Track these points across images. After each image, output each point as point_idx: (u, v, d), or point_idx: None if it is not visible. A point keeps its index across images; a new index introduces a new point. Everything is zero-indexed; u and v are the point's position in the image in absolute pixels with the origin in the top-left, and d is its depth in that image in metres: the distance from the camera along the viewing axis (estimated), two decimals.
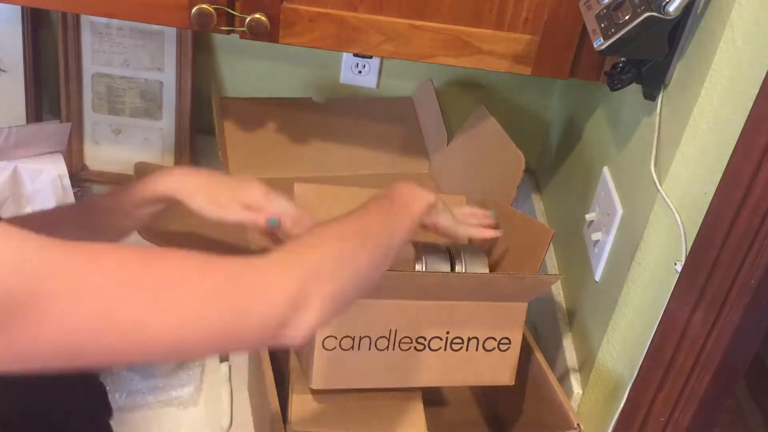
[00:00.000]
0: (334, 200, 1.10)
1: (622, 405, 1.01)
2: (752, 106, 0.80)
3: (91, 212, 0.98)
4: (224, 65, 1.50)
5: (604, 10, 0.90)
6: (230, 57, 1.50)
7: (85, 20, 1.39)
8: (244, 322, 0.62)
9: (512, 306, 1.00)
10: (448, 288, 0.97)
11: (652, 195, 0.93)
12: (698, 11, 0.86)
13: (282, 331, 0.64)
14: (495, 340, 1.00)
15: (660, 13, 0.84)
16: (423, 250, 1.06)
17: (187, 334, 0.60)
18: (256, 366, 1.04)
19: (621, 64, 0.94)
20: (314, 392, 0.97)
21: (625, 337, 1.02)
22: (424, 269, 1.04)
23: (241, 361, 1.20)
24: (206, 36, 1.45)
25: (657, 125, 0.94)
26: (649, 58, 0.91)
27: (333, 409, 0.98)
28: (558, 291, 1.28)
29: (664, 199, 0.91)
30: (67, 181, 1.34)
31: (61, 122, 1.40)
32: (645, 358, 0.96)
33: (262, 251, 0.67)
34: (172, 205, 0.97)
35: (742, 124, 0.81)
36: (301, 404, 0.97)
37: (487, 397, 1.20)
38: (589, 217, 1.14)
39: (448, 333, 0.98)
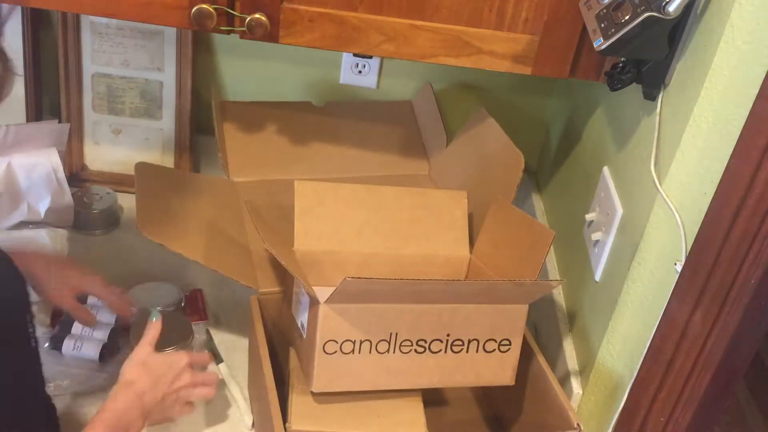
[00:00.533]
0: (333, 198, 1.11)
1: (622, 405, 1.01)
2: (752, 106, 0.80)
3: None
4: (224, 65, 1.50)
5: (604, 10, 0.90)
6: (230, 57, 1.50)
7: (85, 20, 1.39)
8: None
9: (513, 308, 1.00)
10: (448, 293, 0.97)
11: (652, 195, 0.93)
12: (698, 11, 0.87)
13: None
14: (495, 341, 1.00)
15: (660, 13, 0.84)
16: None
17: None
18: (256, 366, 1.04)
19: (621, 64, 0.94)
20: (314, 393, 0.97)
21: (625, 337, 1.02)
22: None
23: (241, 361, 1.21)
24: (206, 36, 1.45)
25: (657, 125, 0.94)
26: (649, 58, 0.91)
27: (333, 409, 0.98)
28: (558, 291, 1.28)
29: (664, 199, 0.91)
30: (61, 174, 1.34)
31: (60, 122, 1.40)
32: (645, 358, 0.96)
33: None
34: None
35: (742, 124, 0.81)
36: (301, 404, 0.97)
37: (487, 397, 1.20)
38: (589, 217, 1.14)
39: (448, 335, 0.98)
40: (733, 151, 0.83)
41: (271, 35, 1.04)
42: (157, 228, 1.11)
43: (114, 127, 1.48)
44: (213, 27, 1.02)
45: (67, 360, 1.15)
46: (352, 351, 0.95)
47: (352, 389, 0.98)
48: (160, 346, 1.09)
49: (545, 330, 1.27)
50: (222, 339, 1.24)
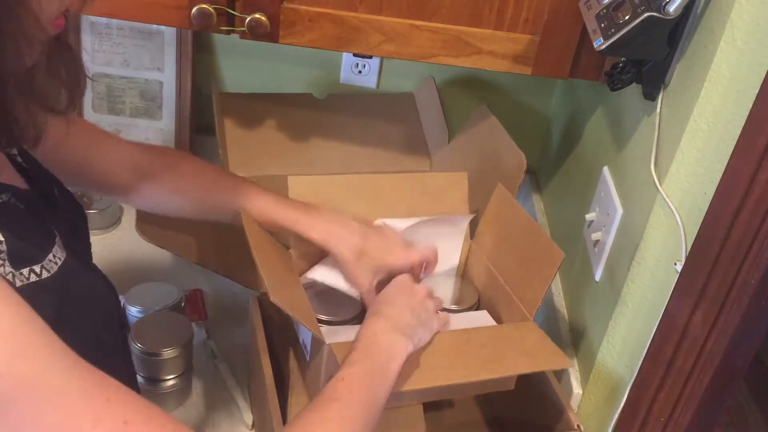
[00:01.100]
0: (328, 191, 1.08)
1: (622, 405, 1.01)
2: (752, 106, 0.80)
3: (213, 181, 1.03)
4: (224, 65, 1.50)
5: (604, 10, 0.90)
6: (230, 57, 1.50)
7: (85, 20, 1.39)
8: None
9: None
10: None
11: (652, 195, 0.93)
12: (698, 11, 0.86)
13: None
14: None
15: (660, 13, 0.84)
16: None
17: None
18: (256, 366, 1.04)
19: (621, 64, 0.94)
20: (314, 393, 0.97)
21: (625, 337, 1.02)
22: None
23: (241, 361, 1.21)
24: (206, 36, 1.45)
25: (657, 125, 0.94)
26: (649, 58, 0.91)
27: None
28: (558, 291, 1.28)
29: (664, 199, 0.91)
30: None
31: None
32: (645, 358, 0.96)
33: None
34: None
35: (742, 124, 0.81)
36: (301, 404, 0.97)
37: (487, 398, 1.20)
38: (589, 217, 1.13)
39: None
40: (733, 151, 0.82)
41: (271, 35, 1.04)
42: (157, 229, 1.11)
43: (114, 127, 1.48)
44: (213, 27, 1.02)
45: None
46: None
47: None
48: (160, 346, 1.09)
49: (545, 330, 1.27)
50: (222, 339, 1.24)
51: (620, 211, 1.04)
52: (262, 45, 1.08)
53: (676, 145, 0.88)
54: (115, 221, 1.44)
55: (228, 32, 1.04)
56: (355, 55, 1.45)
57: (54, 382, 0.56)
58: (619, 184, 1.07)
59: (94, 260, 0.84)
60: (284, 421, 0.94)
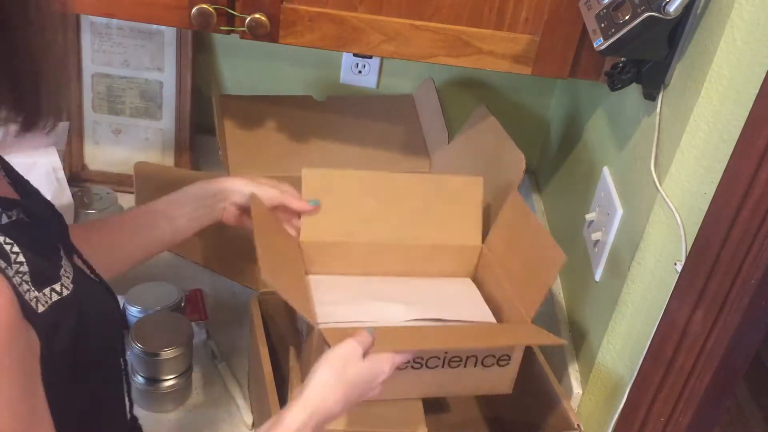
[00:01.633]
0: (340, 185, 1.08)
1: (622, 405, 1.01)
2: (752, 106, 0.80)
3: (142, 214, 1.04)
4: (224, 65, 1.50)
5: (604, 10, 0.90)
6: (230, 57, 1.50)
7: (85, 20, 1.39)
8: None
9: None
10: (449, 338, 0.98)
11: (652, 195, 0.93)
12: (698, 11, 0.86)
13: None
14: (494, 357, 0.98)
15: (660, 13, 0.84)
16: None
17: None
18: (256, 366, 1.04)
19: (621, 64, 0.94)
20: None
21: (625, 337, 1.02)
22: None
23: (241, 361, 1.21)
24: (206, 36, 1.45)
25: (657, 125, 0.94)
26: (649, 58, 0.91)
27: None
28: (558, 291, 1.28)
29: (664, 199, 0.91)
30: (61, 174, 1.34)
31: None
32: (645, 358, 0.96)
33: None
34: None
35: (742, 124, 0.81)
36: None
37: (487, 398, 1.20)
38: (589, 217, 1.13)
39: (446, 352, 0.96)
40: (733, 151, 0.82)
41: (271, 35, 1.04)
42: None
43: (114, 127, 1.48)
44: (213, 27, 1.02)
45: None
46: None
47: None
48: (160, 346, 1.09)
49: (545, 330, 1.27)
50: (222, 339, 1.24)
51: (620, 211, 1.04)
52: (262, 45, 1.08)
53: (676, 145, 0.88)
54: None
55: (228, 32, 1.04)
56: (355, 55, 1.45)
57: None
58: (619, 184, 1.07)
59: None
60: None
